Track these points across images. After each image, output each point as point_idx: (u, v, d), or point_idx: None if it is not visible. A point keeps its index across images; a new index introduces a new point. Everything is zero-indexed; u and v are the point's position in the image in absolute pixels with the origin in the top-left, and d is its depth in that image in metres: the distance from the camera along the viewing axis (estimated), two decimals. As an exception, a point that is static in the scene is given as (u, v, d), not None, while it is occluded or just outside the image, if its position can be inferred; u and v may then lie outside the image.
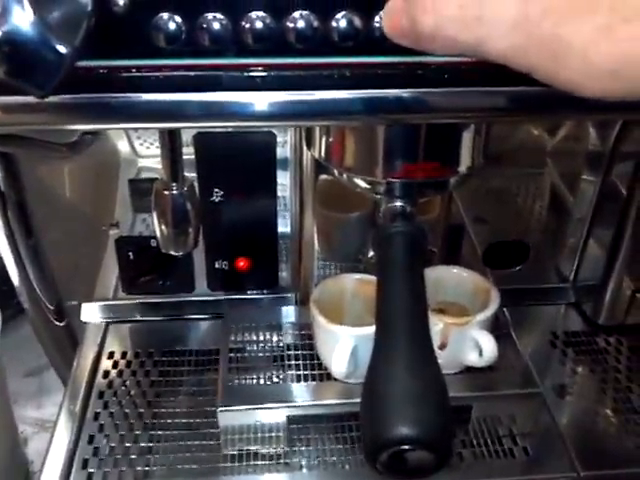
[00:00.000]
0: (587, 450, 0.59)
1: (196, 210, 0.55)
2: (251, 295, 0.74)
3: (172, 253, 0.56)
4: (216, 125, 0.45)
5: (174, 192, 0.52)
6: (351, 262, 0.70)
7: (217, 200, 0.66)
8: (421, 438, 0.34)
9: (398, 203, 0.49)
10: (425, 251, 0.49)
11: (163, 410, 0.63)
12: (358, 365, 0.57)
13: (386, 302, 0.42)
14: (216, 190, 0.65)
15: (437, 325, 0.57)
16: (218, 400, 0.59)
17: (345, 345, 0.56)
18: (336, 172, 0.51)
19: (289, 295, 0.74)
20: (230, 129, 0.61)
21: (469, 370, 0.61)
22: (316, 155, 0.52)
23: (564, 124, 0.67)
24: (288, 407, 0.59)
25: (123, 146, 0.64)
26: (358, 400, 0.59)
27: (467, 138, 0.48)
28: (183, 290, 0.73)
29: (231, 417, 0.59)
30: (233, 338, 0.67)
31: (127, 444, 0.60)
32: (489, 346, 0.56)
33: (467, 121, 0.46)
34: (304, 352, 0.65)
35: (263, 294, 0.74)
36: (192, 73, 0.39)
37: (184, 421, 0.62)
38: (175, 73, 0.38)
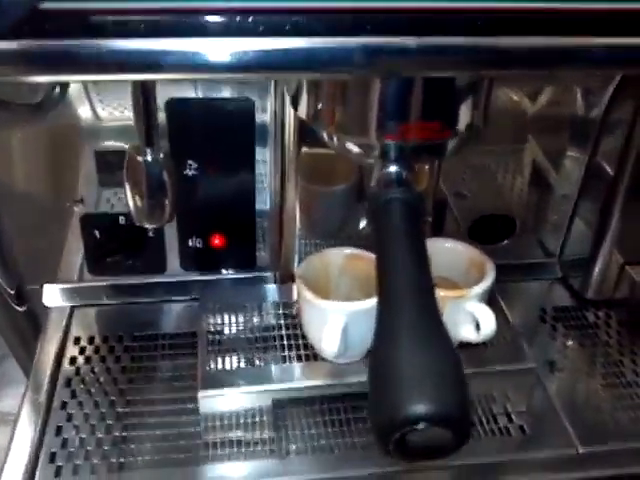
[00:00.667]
0: (584, 426, 0.57)
1: (172, 179, 0.50)
2: (227, 275, 0.70)
3: (146, 226, 0.52)
4: (192, 76, 0.41)
5: (149, 159, 0.48)
6: (334, 239, 0.66)
7: (191, 173, 0.62)
8: (442, 415, 0.31)
9: (393, 168, 0.46)
10: (423, 220, 0.46)
11: (137, 397, 0.59)
12: (348, 344, 0.53)
13: (388, 273, 0.39)
14: (190, 162, 0.61)
15: (430, 299, 0.54)
16: (198, 385, 0.55)
17: (336, 322, 0.52)
18: (325, 135, 0.48)
19: (268, 274, 0.70)
20: (207, 94, 0.57)
21: (461, 346, 0.58)
22: (303, 116, 0.48)
23: (550, 93, 0.65)
24: (273, 390, 0.56)
25: (84, 112, 0.59)
26: (347, 381, 0.57)
27: (468, 97, 0.45)
28: (154, 270, 0.68)
29: (212, 402, 0.55)
30: (211, 320, 0.63)
31: (99, 434, 0.56)
32: (487, 320, 0.53)
33: (463, 73, 0.43)
34: (287, 332, 0.62)
35: (240, 273, 0.70)
36: (168, 17, 0.34)
37: (161, 408, 0.58)
38: (148, 17, 0.34)
